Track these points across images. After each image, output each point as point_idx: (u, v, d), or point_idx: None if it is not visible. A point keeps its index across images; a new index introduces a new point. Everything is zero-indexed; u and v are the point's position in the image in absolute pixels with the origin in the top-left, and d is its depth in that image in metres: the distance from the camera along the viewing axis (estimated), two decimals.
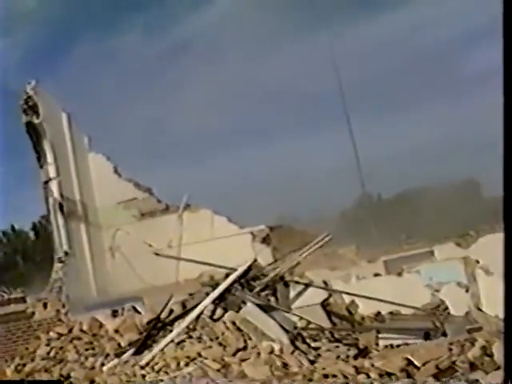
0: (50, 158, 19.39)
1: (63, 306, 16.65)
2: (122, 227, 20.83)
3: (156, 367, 13.33)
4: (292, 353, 12.98)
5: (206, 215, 20.80)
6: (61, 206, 19.03)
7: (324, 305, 15.23)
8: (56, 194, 19.12)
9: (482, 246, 14.72)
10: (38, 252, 33.53)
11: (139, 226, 20.86)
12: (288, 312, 14.85)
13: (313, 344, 13.81)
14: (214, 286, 15.32)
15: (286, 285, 15.47)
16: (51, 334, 16.29)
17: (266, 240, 20.26)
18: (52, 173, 19.27)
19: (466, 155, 27.18)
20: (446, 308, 14.61)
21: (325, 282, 15.56)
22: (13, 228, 36.08)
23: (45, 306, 16.53)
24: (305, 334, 14.28)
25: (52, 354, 15.51)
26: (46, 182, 19.26)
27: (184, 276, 19.26)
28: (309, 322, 14.58)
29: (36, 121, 19.21)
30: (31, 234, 36.00)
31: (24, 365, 15.41)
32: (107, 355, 14.79)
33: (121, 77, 44.77)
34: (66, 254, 18.56)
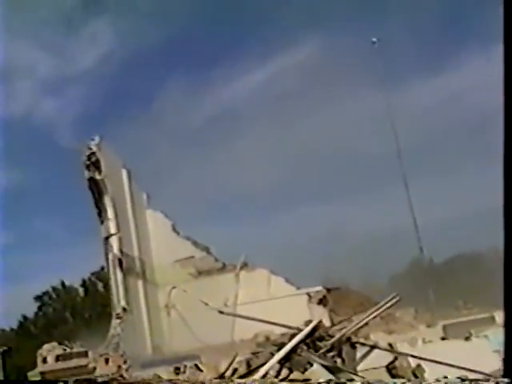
0: (110, 213, 19.54)
1: (125, 362, 16.53)
2: (179, 285, 20.80)
3: None
4: None
5: (263, 275, 20.71)
6: (120, 262, 19.08)
7: (389, 368, 14.93)
8: (116, 249, 19.20)
9: None
10: (86, 308, 33.59)
11: (196, 284, 20.84)
12: (355, 374, 14.55)
13: None
14: (280, 346, 15.09)
15: (353, 346, 15.21)
16: None
17: (322, 301, 20.06)
18: (112, 229, 19.40)
19: None
20: None
21: (390, 345, 15.28)
22: (63, 284, 36.21)
23: (106, 361, 16.44)
24: None
25: None
26: (107, 238, 19.38)
27: (239, 336, 19.03)
28: None
29: (98, 177, 19.44)
30: (80, 290, 36.05)
31: None
32: None
33: (179, 136, 45.47)
34: (124, 310, 18.52)
